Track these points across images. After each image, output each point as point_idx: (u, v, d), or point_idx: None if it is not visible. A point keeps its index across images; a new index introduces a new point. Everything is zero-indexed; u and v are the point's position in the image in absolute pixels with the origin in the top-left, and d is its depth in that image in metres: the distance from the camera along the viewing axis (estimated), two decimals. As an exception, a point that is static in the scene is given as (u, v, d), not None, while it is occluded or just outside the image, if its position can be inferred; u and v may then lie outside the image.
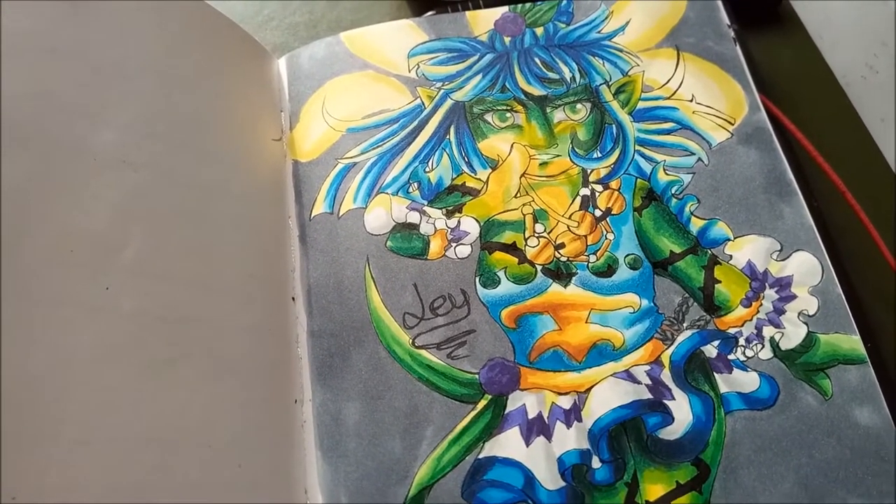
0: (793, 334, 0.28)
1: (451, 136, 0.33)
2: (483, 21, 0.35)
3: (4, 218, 0.22)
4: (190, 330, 0.25)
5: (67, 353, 0.22)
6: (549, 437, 0.27)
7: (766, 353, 0.28)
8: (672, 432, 0.27)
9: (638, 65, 0.34)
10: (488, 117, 0.33)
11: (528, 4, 0.35)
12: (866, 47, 0.41)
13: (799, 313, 0.28)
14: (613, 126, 0.33)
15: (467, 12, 0.35)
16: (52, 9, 0.26)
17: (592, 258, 0.30)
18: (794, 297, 0.29)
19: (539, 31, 0.35)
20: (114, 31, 0.28)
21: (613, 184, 0.31)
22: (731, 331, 0.28)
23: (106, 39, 0.28)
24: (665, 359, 0.28)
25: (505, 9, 0.35)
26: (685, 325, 0.28)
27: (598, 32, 0.35)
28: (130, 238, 0.25)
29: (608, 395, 0.27)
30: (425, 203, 0.31)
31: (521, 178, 0.32)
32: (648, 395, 0.27)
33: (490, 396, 0.27)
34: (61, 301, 0.22)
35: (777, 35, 0.40)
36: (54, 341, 0.22)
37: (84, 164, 0.25)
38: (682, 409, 0.27)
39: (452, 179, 0.32)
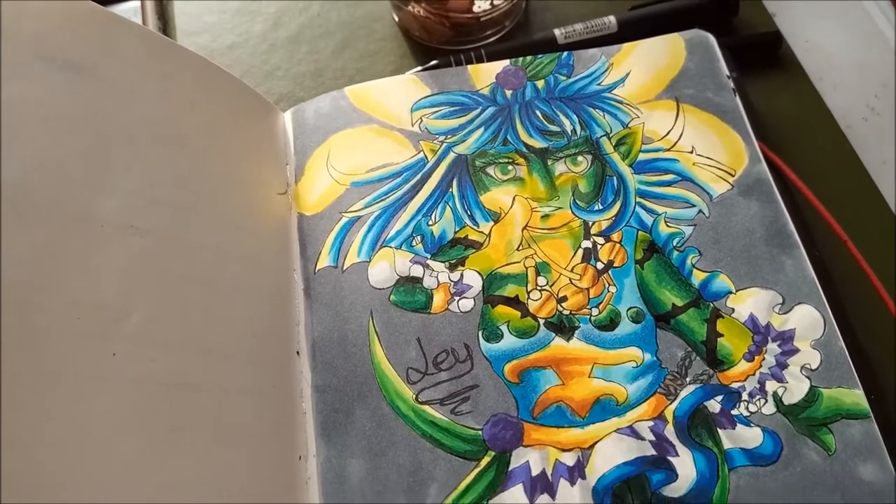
0: (795, 389, 0.28)
1: (454, 189, 0.33)
2: (485, 75, 0.36)
3: (10, 291, 0.22)
4: (195, 396, 0.26)
5: (76, 425, 0.22)
6: (552, 494, 0.27)
7: (769, 408, 0.28)
8: (676, 489, 0.27)
9: (638, 117, 0.34)
10: (490, 170, 0.33)
11: (529, 58, 0.36)
12: (867, 89, 0.41)
13: (801, 367, 0.29)
14: (614, 178, 0.33)
15: (469, 66, 0.36)
16: (58, 77, 0.27)
17: (595, 311, 0.30)
18: (796, 350, 0.29)
19: (540, 83, 0.35)
20: (119, 96, 0.28)
21: (615, 236, 0.32)
22: (734, 385, 0.28)
23: (111, 106, 0.28)
24: (668, 414, 0.28)
25: (506, 62, 0.36)
26: (688, 379, 0.29)
27: (599, 84, 0.35)
28: (135, 306, 0.25)
29: (612, 451, 0.27)
30: (428, 256, 0.32)
31: (523, 230, 0.32)
32: (652, 452, 0.27)
33: (494, 453, 0.28)
34: (69, 372, 0.23)
35: (777, 78, 0.40)
36: (63, 413, 0.22)
37: (91, 232, 0.25)
38: (686, 466, 0.27)
39: (455, 233, 0.32)
